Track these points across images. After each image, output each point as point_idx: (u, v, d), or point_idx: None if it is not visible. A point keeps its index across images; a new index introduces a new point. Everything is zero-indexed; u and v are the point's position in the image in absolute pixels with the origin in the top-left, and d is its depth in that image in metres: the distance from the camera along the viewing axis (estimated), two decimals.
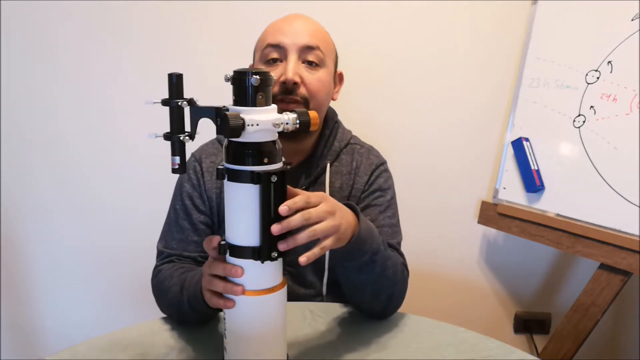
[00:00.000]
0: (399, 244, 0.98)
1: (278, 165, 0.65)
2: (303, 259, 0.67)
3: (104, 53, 1.48)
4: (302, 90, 0.90)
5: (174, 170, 0.64)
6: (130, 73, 1.50)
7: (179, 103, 0.62)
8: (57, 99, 1.50)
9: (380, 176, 1.00)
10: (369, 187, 0.99)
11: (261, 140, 0.63)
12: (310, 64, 0.92)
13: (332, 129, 1.01)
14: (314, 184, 0.97)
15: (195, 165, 0.98)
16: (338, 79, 1.03)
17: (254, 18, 1.46)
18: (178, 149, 0.63)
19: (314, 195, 0.70)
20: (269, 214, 0.64)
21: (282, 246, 0.65)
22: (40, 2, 1.43)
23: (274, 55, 0.91)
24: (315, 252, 0.69)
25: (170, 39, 1.49)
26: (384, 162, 1.03)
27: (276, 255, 0.65)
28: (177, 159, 0.64)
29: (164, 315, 0.91)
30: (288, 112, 0.66)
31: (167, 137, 0.63)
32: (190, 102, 0.63)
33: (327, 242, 0.70)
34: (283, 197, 0.65)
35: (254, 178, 0.63)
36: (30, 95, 1.49)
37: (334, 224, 0.70)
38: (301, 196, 0.68)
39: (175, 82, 0.62)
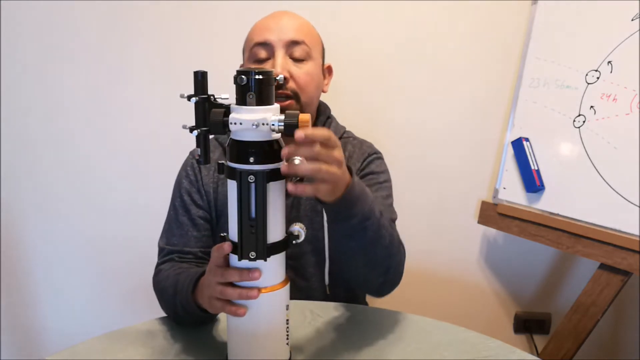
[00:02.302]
0: (394, 221, 0.96)
1: (267, 166, 0.64)
2: (291, 187, 0.64)
3: (104, 53, 1.48)
4: (292, 85, 0.92)
5: (197, 161, 0.68)
6: (130, 73, 1.50)
7: (197, 99, 0.65)
8: (57, 99, 1.50)
9: (373, 162, 1.02)
10: (361, 172, 1.00)
11: (248, 140, 0.64)
12: (297, 58, 0.93)
13: (325, 123, 1.03)
14: None
15: (193, 162, 1.00)
16: (327, 71, 1.04)
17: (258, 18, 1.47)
18: (202, 141, 0.66)
19: (334, 138, 0.67)
20: (247, 213, 0.65)
21: (283, 168, 0.63)
22: (40, 2, 1.43)
23: (262, 53, 0.93)
24: (306, 189, 0.65)
25: (171, 39, 1.49)
26: (377, 152, 1.04)
27: (254, 255, 0.65)
28: (200, 150, 0.66)
29: (163, 315, 0.91)
30: (278, 114, 0.65)
31: (192, 129, 0.66)
32: (208, 98, 0.65)
33: (322, 187, 0.67)
34: (263, 198, 0.64)
35: (235, 176, 0.64)
36: (30, 95, 1.49)
37: (336, 172, 0.67)
38: (326, 131, 0.65)
39: (201, 79, 0.65)
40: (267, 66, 0.92)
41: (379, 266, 0.83)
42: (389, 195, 1.00)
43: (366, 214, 0.76)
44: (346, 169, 0.73)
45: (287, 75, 0.91)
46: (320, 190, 0.68)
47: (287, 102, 0.91)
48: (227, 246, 0.67)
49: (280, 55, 0.92)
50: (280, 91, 0.90)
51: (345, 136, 1.05)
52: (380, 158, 1.04)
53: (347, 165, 0.76)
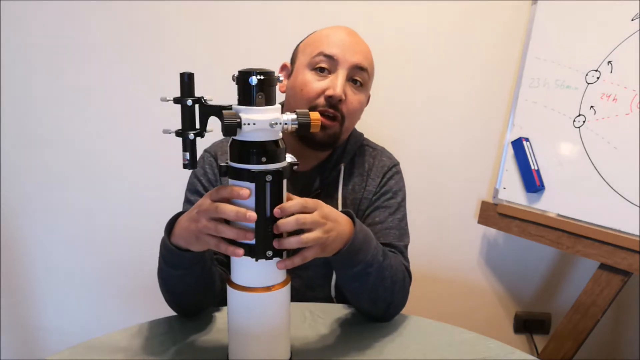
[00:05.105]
0: (406, 247, 0.97)
1: (278, 165, 0.65)
2: (281, 265, 0.67)
3: (105, 52, 1.48)
4: (343, 107, 0.91)
5: (184, 166, 0.66)
6: (131, 73, 1.50)
7: (190, 101, 0.64)
8: (57, 99, 1.50)
9: (392, 178, 1.01)
10: (380, 189, 0.99)
11: (259, 140, 0.64)
12: (355, 82, 0.93)
13: (351, 133, 1.02)
14: (328, 187, 0.97)
15: (212, 161, 0.98)
16: (367, 99, 1.03)
17: (259, 19, 1.46)
18: (189, 145, 0.65)
19: (311, 202, 0.70)
20: (264, 213, 0.65)
21: (275, 244, 0.66)
22: (41, 1, 1.43)
23: (325, 65, 0.92)
24: (294, 261, 0.68)
25: (172, 39, 1.49)
26: (396, 164, 1.04)
27: (271, 254, 0.66)
28: (188, 154, 0.65)
29: (164, 316, 0.91)
30: (288, 113, 0.66)
31: (178, 133, 0.65)
32: (199, 100, 0.64)
33: (309, 253, 0.69)
34: (279, 196, 0.65)
35: (250, 176, 0.64)
36: (31, 95, 1.49)
37: (319, 235, 0.69)
38: (298, 200, 0.68)
39: (187, 81, 0.64)
40: (325, 80, 0.91)
41: (382, 302, 0.86)
42: (404, 217, 1.00)
43: (369, 261, 0.79)
44: (338, 221, 0.74)
45: (343, 97, 0.90)
46: (307, 257, 0.70)
47: (332, 123, 0.91)
48: (245, 192, 0.64)
49: (342, 75, 0.90)
50: (332, 111, 0.90)
51: (364, 144, 1.04)
52: (399, 172, 1.03)
53: (349, 212, 0.78)
